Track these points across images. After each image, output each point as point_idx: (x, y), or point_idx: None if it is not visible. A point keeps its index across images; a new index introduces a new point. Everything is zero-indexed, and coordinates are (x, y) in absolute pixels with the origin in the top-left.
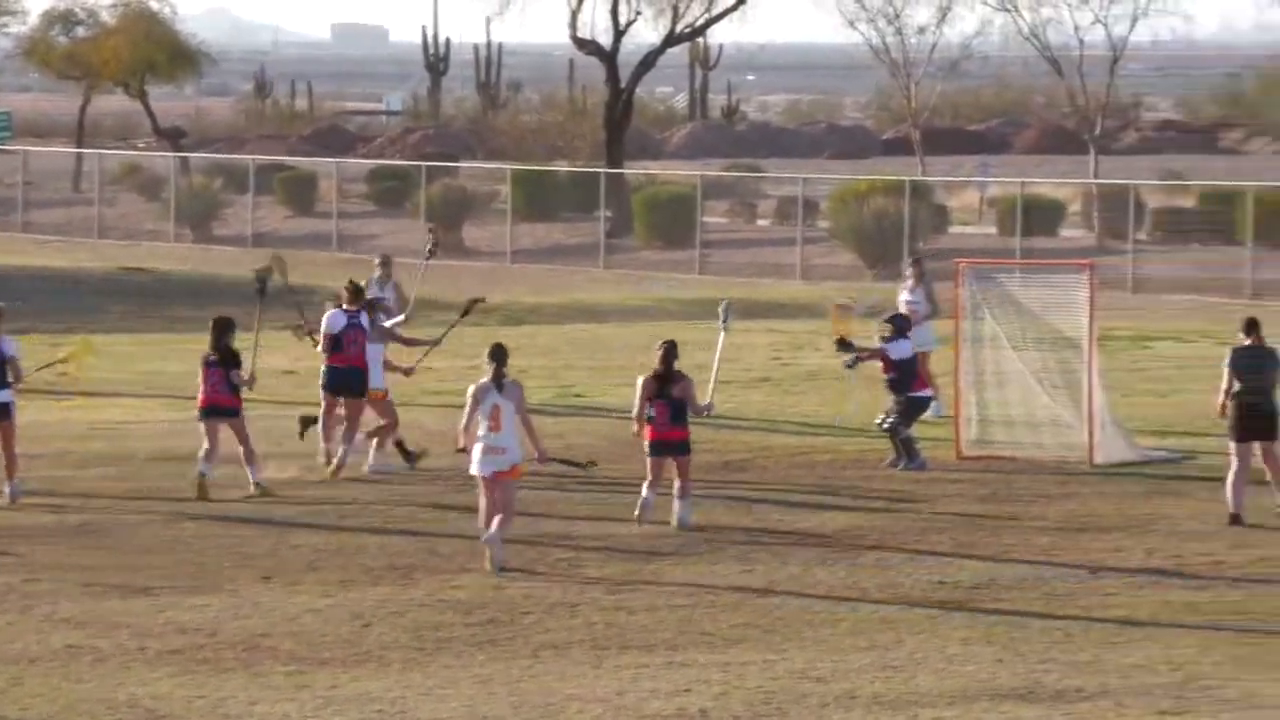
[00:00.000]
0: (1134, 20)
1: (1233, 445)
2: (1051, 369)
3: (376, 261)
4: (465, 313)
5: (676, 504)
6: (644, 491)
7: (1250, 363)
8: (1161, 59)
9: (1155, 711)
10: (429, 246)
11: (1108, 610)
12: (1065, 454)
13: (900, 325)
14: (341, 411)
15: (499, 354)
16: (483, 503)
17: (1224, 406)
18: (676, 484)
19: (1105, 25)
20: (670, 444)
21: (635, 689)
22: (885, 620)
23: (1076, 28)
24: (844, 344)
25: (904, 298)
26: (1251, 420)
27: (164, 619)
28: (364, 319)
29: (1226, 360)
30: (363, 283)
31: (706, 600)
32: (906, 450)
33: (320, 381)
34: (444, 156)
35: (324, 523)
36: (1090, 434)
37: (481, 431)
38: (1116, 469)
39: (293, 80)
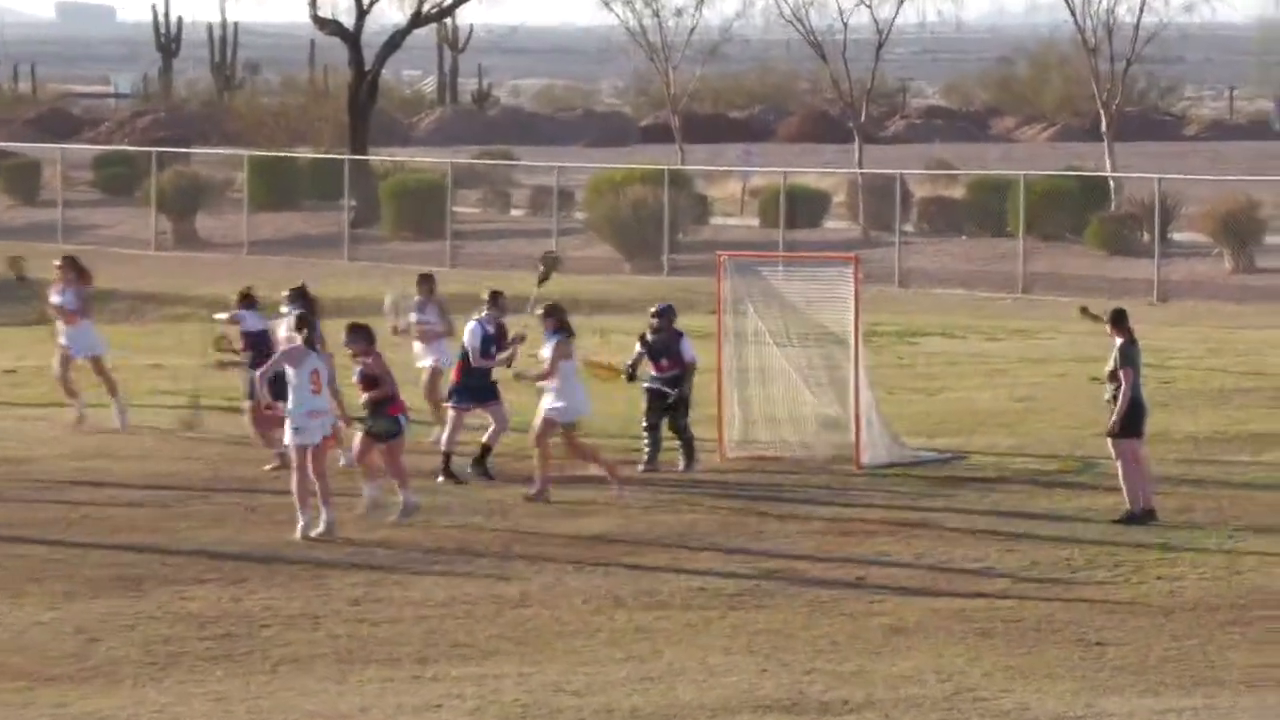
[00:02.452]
0: (900, 1)
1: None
2: (817, 366)
3: (416, 281)
4: (545, 277)
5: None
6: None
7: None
8: (929, 42)
9: None
10: (541, 271)
11: (874, 618)
12: (831, 454)
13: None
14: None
15: (306, 310)
16: (297, 478)
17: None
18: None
19: (870, 7)
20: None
21: (381, 704)
22: (643, 630)
23: (840, 10)
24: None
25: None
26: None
27: None
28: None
29: (1128, 358)
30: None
31: (457, 611)
32: (688, 450)
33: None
34: (176, 142)
35: (47, 535)
36: (857, 434)
37: (298, 398)
38: (884, 470)
39: (15, 62)
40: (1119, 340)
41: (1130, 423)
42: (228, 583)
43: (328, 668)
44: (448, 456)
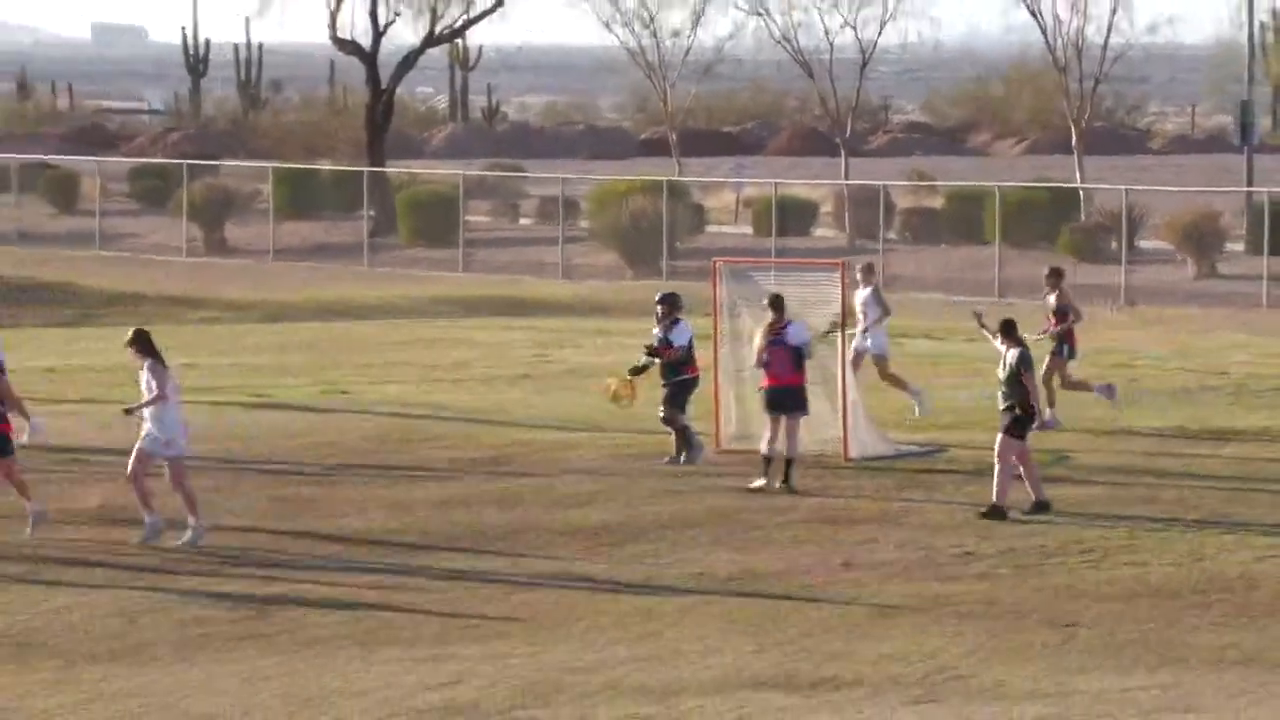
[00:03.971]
0: (882, 24)
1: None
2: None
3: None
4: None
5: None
6: None
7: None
8: (909, 61)
9: (908, 700)
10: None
11: (861, 601)
12: (821, 448)
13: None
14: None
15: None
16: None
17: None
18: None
19: (855, 29)
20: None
21: (402, 682)
22: (644, 612)
23: (827, 31)
24: (651, 352)
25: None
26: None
27: None
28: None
29: (1028, 363)
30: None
31: (472, 594)
32: (686, 440)
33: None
34: (206, 155)
35: (89, 521)
36: (845, 428)
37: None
38: (870, 462)
39: (53, 80)
40: (1014, 349)
41: (1023, 425)
42: (256, 566)
43: (352, 647)
44: None
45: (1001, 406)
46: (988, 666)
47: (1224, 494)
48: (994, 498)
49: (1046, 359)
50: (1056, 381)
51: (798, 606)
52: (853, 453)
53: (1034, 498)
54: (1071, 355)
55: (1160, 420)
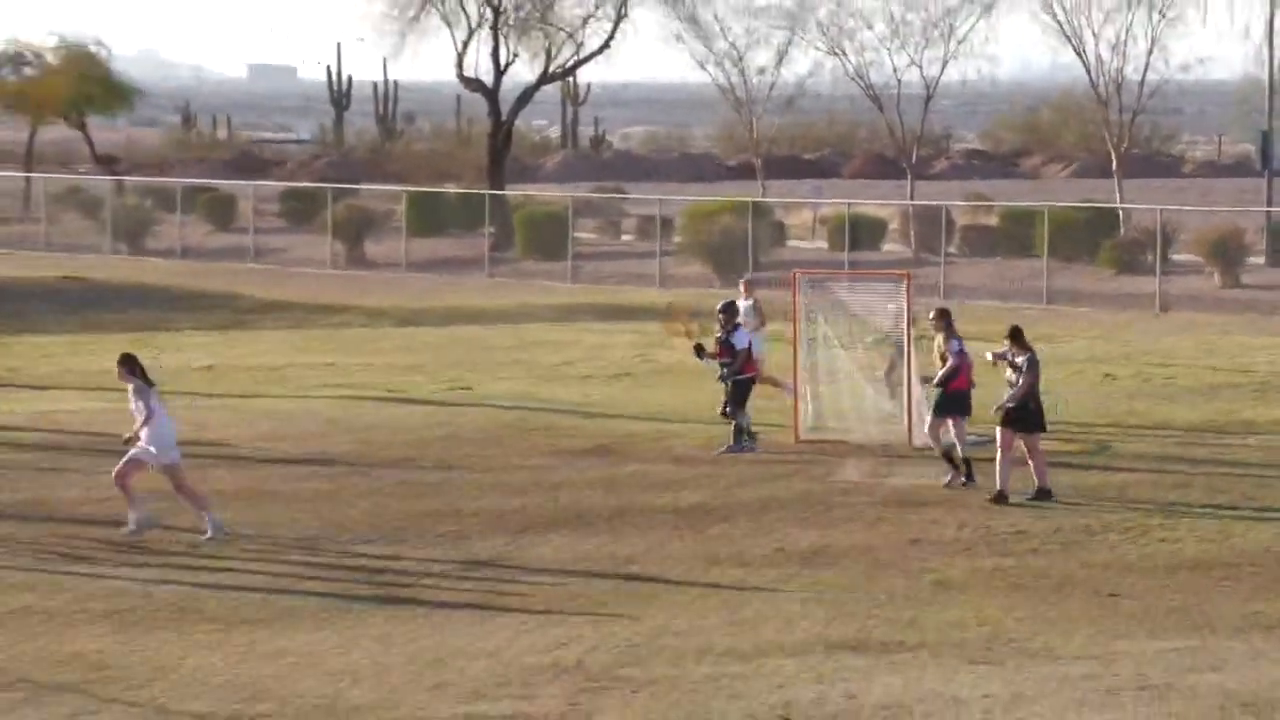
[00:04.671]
0: (944, 63)
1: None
2: (875, 364)
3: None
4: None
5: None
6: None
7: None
8: (969, 95)
9: (967, 661)
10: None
11: (925, 574)
12: (887, 439)
13: (733, 314)
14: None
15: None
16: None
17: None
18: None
19: (920, 67)
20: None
21: (516, 644)
22: (732, 584)
23: (895, 70)
24: (699, 351)
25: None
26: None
27: (102, 584)
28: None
29: (1034, 367)
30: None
31: (578, 568)
32: (744, 433)
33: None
34: (347, 180)
35: (239, 500)
36: (909, 421)
37: (168, 418)
38: (931, 450)
39: (214, 113)
40: (1024, 355)
41: (1027, 419)
42: (388, 543)
43: (469, 615)
44: None
45: (1010, 404)
46: (1039, 632)
47: (1250, 480)
48: (997, 484)
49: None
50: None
51: (870, 579)
52: (916, 442)
53: (1040, 483)
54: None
55: (1192, 414)
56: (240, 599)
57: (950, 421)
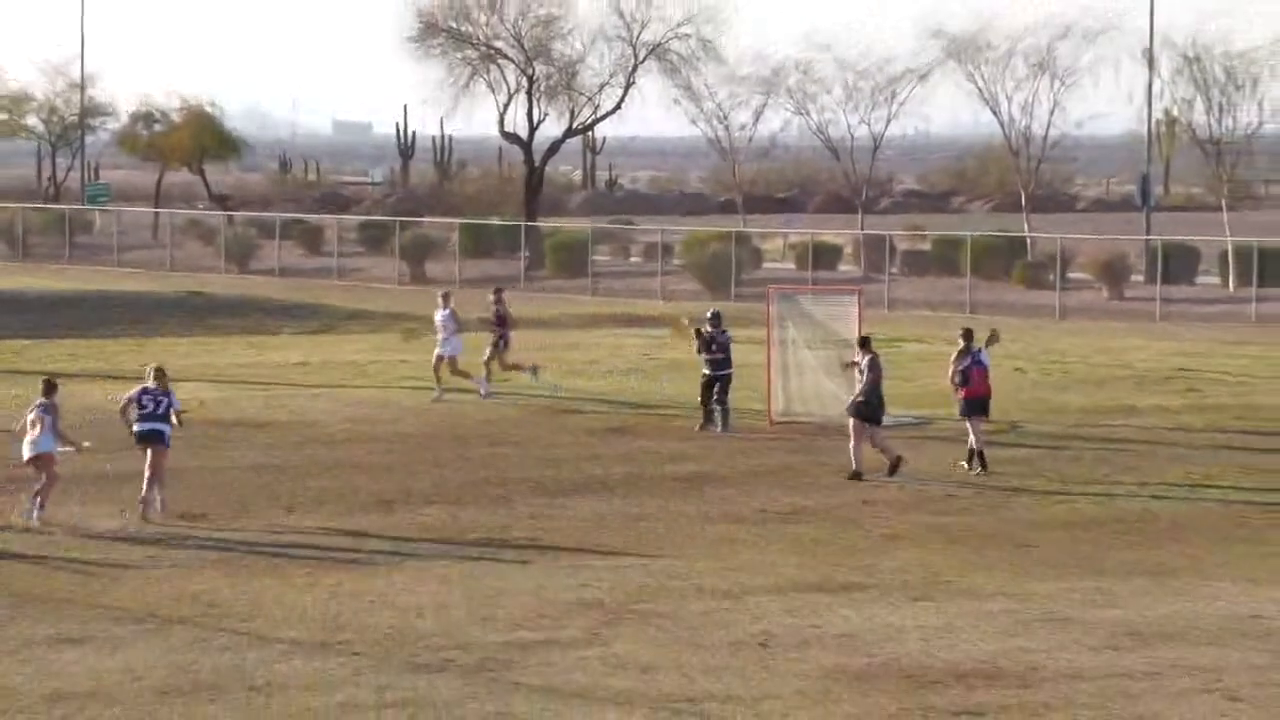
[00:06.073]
0: (888, 121)
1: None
2: (833, 362)
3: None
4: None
5: None
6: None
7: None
8: (908, 146)
9: (910, 598)
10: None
11: (878, 529)
12: (843, 421)
13: (717, 321)
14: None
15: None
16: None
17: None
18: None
19: (869, 124)
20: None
21: (551, 584)
22: (725, 538)
23: (849, 126)
24: (698, 334)
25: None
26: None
27: (218, 537)
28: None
29: (877, 366)
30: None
31: (599, 523)
32: (725, 415)
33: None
34: (412, 213)
35: (330, 472)
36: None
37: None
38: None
39: (305, 160)
40: (868, 356)
41: (871, 412)
42: (447, 505)
43: (512, 561)
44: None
45: (860, 397)
46: (966, 575)
47: (1131, 454)
48: (853, 465)
49: (488, 349)
50: (496, 364)
51: (833, 533)
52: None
53: (856, 466)
54: (507, 347)
55: (1085, 401)
56: (328, 548)
57: (968, 421)
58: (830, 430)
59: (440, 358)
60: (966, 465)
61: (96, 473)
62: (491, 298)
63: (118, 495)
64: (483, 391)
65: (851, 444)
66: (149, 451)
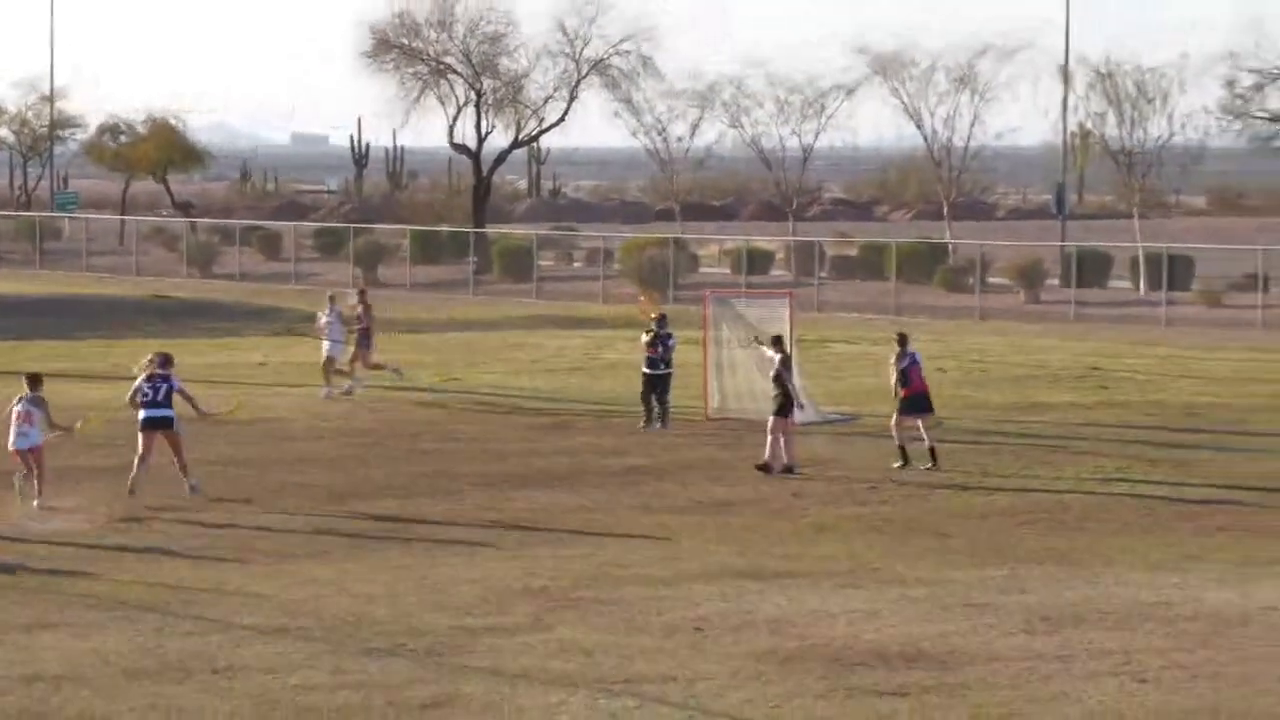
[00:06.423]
0: (817, 133)
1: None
2: (765, 360)
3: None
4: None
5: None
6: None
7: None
8: (836, 157)
9: (837, 585)
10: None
11: (805, 520)
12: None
13: (663, 324)
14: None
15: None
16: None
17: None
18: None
19: (799, 136)
20: None
21: (497, 573)
22: (662, 526)
23: (780, 138)
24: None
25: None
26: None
27: (184, 529)
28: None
29: (788, 366)
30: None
31: (544, 514)
32: (663, 415)
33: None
34: (365, 220)
35: (292, 465)
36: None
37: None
38: (808, 426)
39: (264, 170)
40: (779, 355)
41: (786, 407)
42: (399, 496)
43: (461, 550)
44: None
45: (772, 394)
46: (890, 562)
47: (1044, 448)
48: (765, 457)
49: (351, 349)
50: (359, 363)
51: (764, 523)
52: (796, 419)
53: (786, 461)
54: (370, 347)
55: (1002, 398)
56: (286, 539)
57: (907, 419)
58: (762, 425)
59: (330, 358)
60: (930, 464)
61: (77, 467)
62: (355, 299)
63: (93, 489)
64: (345, 389)
65: (780, 441)
66: (156, 437)
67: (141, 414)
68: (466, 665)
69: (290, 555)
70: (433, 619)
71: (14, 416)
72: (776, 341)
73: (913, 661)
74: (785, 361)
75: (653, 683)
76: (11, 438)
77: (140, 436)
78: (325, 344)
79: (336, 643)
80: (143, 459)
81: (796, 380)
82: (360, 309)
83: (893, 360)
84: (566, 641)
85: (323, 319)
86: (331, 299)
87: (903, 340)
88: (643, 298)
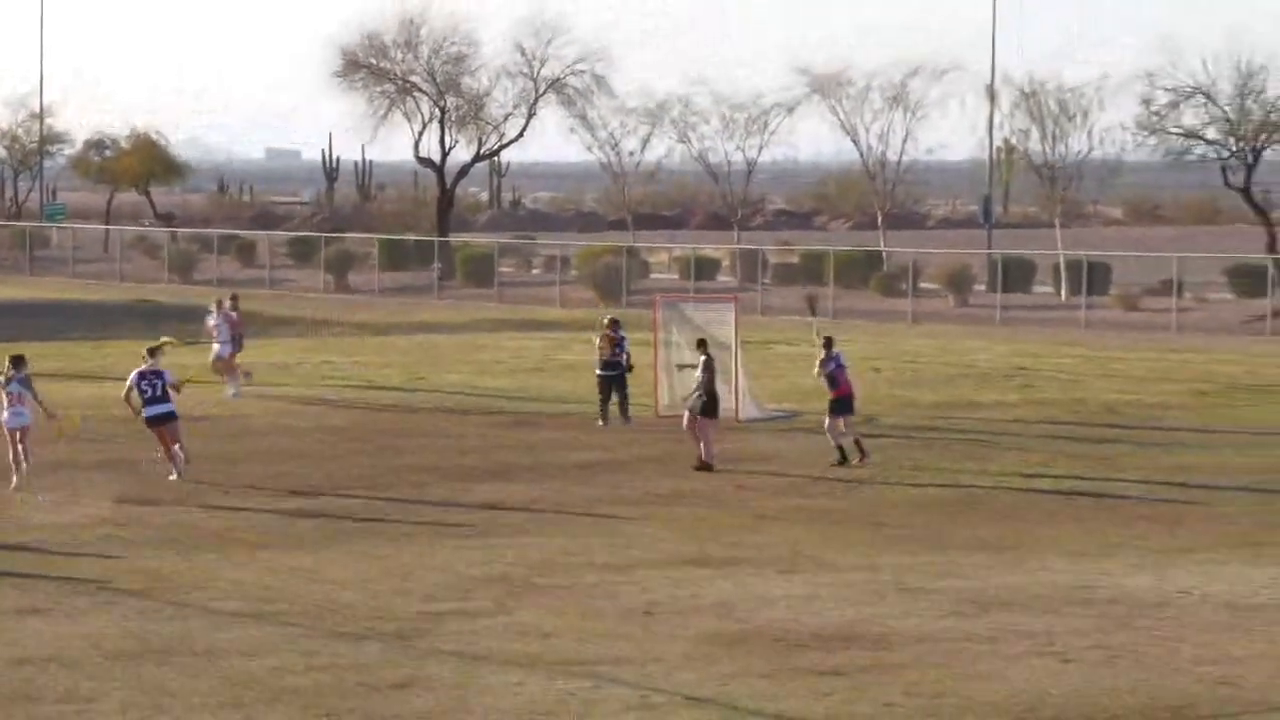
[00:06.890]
0: (760, 148)
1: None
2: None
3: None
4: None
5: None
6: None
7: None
8: (778, 171)
9: (777, 572)
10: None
11: (748, 509)
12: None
13: (617, 327)
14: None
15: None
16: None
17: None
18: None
19: (743, 151)
20: None
21: (461, 560)
22: (613, 517)
23: (725, 153)
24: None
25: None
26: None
27: (166, 519)
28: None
29: (710, 367)
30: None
31: (504, 506)
32: (623, 408)
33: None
34: (336, 230)
35: (258, 459)
36: (736, 401)
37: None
38: (753, 422)
39: (241, 182)
40: (705, 356)
41: (712, 408)
42: (368, 488)
43: (425, 539)
44: None
45: (695, 394)
46: (828, 550)
47: (973, 443)
48: (703, 456)
49: (218, 349)
50: (220, 367)
51: (710, 513)
52: (742, 416)
53: (704, 458)
54: (240, 349)
55: (933, 396)
56: (263, 528)
57: (840, 420)
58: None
59: (219, 358)
60: (859, 458)
61: (70, 460)
62: (228, 303)
63: (87, 481)
64: (231, 391)
65: (703, 439)
66: (163, 430)
67: (145, 412)
68: (433, 648)
69: (267, 545)
70: (401, 604)
71: (7, 398)
72: (700, 345)
73: (850, 642)
74: (708, 364)
75: (608, 664)
76: (6, 416)
77: (153, 433)
78: (215, 345)
79: (310, 627)
80: (166, 449)
81: (742, 380)
82: (233, 313)
83: (818, 362)
84: (526, 625)
85: (211, 321)
86: (218, 303)
87: (828, 344)
88: (604, 334)
